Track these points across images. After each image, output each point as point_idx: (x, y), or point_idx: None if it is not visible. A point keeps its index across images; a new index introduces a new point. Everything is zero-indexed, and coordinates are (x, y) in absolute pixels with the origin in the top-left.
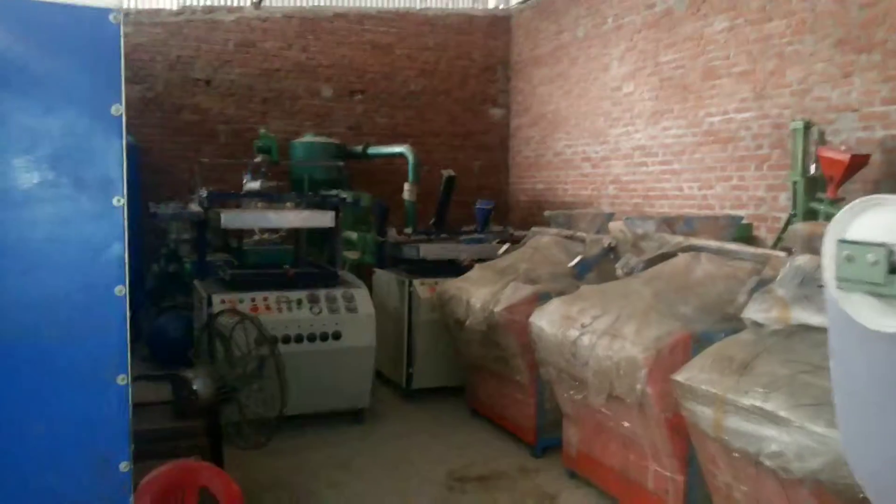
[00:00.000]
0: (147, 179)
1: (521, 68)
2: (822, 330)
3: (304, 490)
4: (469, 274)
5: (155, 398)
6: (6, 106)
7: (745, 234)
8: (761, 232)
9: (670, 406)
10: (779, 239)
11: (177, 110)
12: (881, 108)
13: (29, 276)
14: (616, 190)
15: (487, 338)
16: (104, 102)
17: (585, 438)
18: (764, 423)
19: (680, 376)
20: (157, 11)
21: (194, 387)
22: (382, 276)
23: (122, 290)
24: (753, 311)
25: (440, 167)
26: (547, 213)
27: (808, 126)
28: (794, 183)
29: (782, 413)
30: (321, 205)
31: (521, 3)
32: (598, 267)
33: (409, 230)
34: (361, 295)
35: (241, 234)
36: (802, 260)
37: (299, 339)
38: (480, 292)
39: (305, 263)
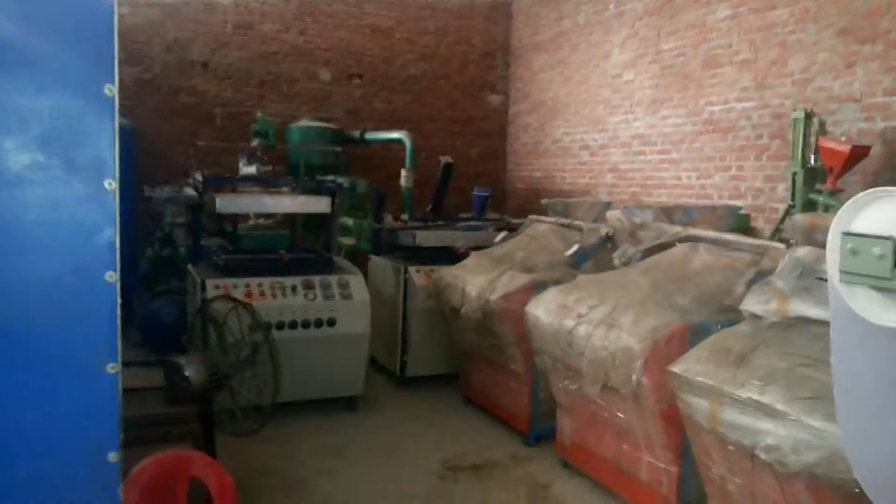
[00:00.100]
0: (142, 162)
1: (520, 54)
2: (820, 323)
3: (296, 477)
4: (465, 262)
5: (147, 384)
6: None
7: (742, 225)
8: (759, 222)
9: (665, 397)
10: (777, 230)
11: (174, 93)
12: (883, 98)
13: (18, 259)
14: (614, 178)
15: (483, 326)
16: (96, 82)
17: (579, 428)
18: (760, 416)
19: (676, 367)
20: None
21: (186, 373)
22: (378, 263)
23: (112, 275)
24: (752, 303)
25: (438, 153)
26: (544, 201)
27: (809, 116)
28: (794, 174)
29: (779, 406)
30: (317, 190)
31: None
32: (596, 256)
33: (405, 217)
34: (357, 281)
35: (235, 218)
36: (802, 251)
37: (293, 325)
38: (476, 280)
39: (301, 249)
